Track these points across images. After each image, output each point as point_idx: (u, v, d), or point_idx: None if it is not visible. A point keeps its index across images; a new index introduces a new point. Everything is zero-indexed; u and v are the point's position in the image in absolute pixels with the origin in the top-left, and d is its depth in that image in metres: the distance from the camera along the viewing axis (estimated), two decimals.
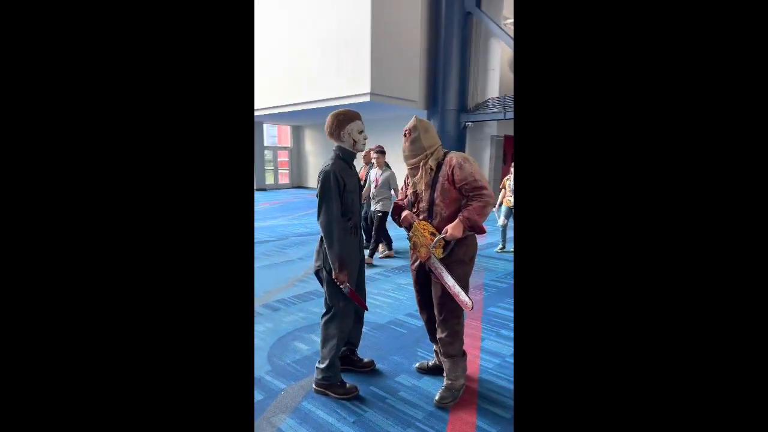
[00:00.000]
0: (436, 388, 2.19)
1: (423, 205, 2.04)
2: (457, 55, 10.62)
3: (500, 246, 5.59)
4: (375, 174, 4.89)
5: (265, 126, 15.48)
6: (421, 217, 2.05)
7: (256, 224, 7.62)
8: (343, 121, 2.03)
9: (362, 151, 2.15)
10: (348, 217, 2.05)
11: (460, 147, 11.02)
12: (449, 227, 1.90)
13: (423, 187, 2.02)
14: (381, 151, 4.86)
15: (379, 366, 2.44)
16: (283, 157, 16.44)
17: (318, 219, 1.99)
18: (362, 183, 4.86)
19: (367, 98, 10.06)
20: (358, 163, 4.58)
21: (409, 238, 2.08)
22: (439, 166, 1.98)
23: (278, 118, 14.25)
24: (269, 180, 15.69)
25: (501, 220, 5.50)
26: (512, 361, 2.49)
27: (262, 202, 11.64)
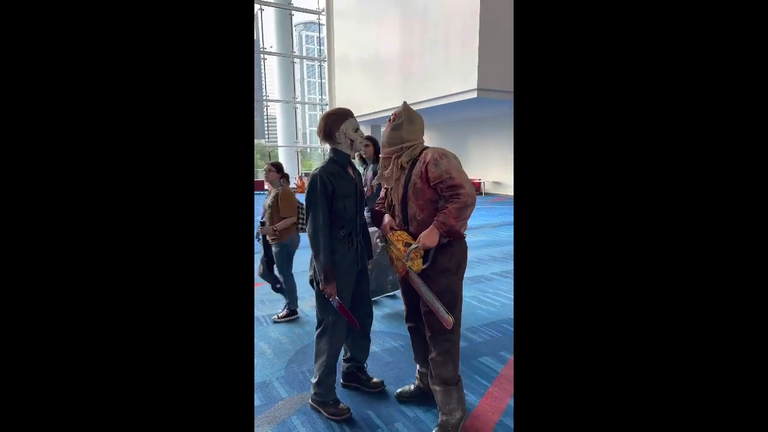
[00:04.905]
0: None
1: (397, 207, 1.82)
2: None
3: None
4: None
5: (382, 129, 16.00)
6: (397, 221, 1.83)
7: None
8: (336, 121, 1.87)
9: (360, 150, 1.97)
10: (340, 225, 1.89)
11: None
12: (422, 236, 1.66)
13: (393, 184, 1.81)
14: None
15: (391, 387, 2.22)
16: None
17: (305, 226, 1.89)
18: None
19: (474, 95, 9.59)
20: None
21: (386, 252, 1.85)
22: (413, 164, 1.74)
23: None
24: None
25: None
26: None
27: None
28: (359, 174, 2.05)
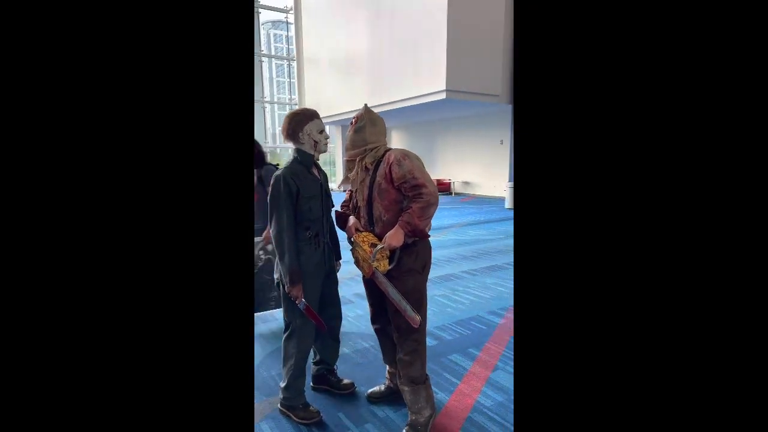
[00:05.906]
0: None
1: (362, 208, 1.83)
2: None
3: None
4: None
5: None
6: (362, 222, 1.84)
7: None
8: (301, 121, 1.85)
9: (324, 152, 1.95)
10: (306, 226, 1.87)
11: None
12: (387, 236, 1.68)
13: (358, 186, 1.82)
14: None
15: (362, 388, 2.21)
16: None
17: (269, 228, 1.85)
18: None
19: (443, 96, 9.70)
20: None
21: (352, 253, 1.86)
22: (377, 165, 1.76)
23: None
24: None
25: None
26: None
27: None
28: (325, 175, 2.03)
